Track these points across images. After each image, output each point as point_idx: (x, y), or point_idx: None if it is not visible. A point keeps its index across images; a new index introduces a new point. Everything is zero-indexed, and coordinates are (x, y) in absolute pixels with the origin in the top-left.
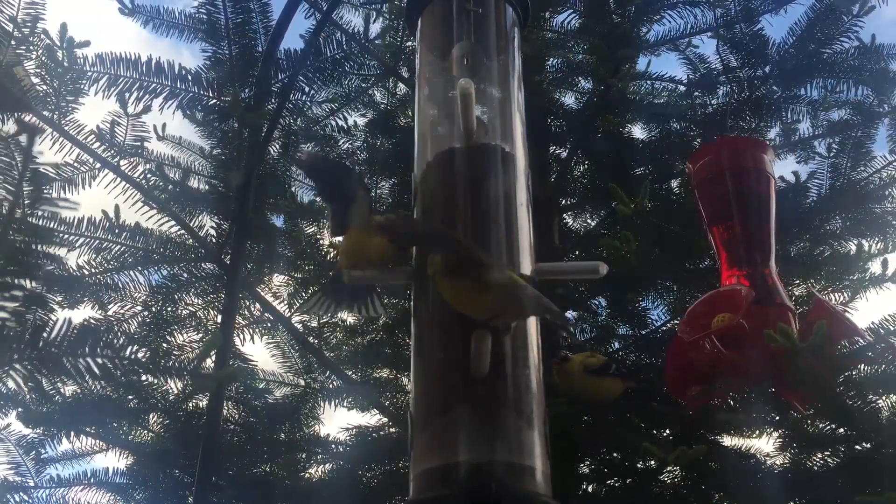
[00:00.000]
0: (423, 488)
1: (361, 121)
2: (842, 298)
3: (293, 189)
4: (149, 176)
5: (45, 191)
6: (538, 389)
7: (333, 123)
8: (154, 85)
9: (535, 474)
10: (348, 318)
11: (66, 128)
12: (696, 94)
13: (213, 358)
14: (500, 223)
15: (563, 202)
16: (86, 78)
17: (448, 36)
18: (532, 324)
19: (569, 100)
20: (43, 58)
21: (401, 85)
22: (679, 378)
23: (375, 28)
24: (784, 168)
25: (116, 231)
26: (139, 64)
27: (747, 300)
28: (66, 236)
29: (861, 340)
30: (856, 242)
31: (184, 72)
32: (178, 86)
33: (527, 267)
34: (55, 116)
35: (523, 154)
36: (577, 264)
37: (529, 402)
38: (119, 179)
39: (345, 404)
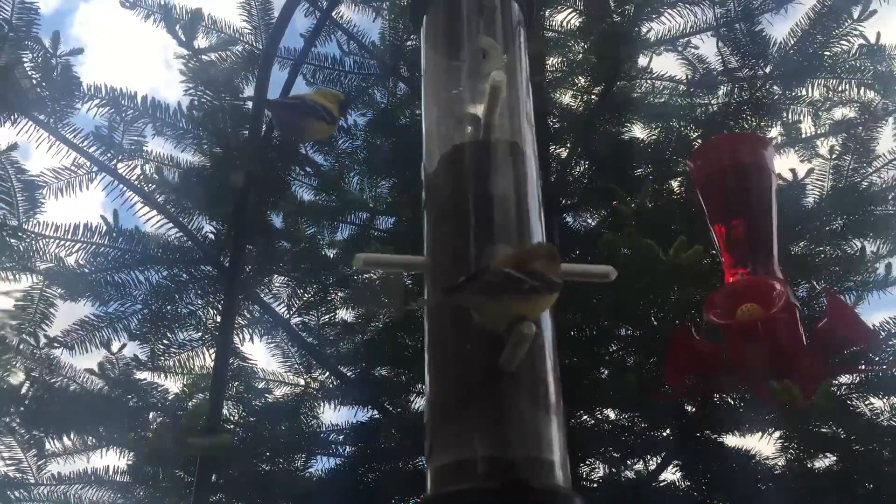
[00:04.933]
0: (444, 483)
1: (361, 121)
2: (848, 301)
3: (293, 189)
4: (149, 174)
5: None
6: (555, 380)
7: None
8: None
9: (555, 468)
10: (348, 316)
11: (62, 132)
12: (697, 93)
13: (213, 356)
14: (511, 219)
15: (563, 202)
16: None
17: (454, 32)
18: (547, 312)
19: (569, 100)
20: (38, 60)
21: (401, 84)
22: (678, 367)
23: (375, 27)
24: (784, 167)
25: (114, 235)
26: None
27: (782, 299)
28: (64, 242)
29: (873, 345)
30: (858, 243)
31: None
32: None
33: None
34: (51, 121)
35: (532, 146)
36: (586, 267)
37: (547, 393)
38: (116, 182)
39: (344, 404)
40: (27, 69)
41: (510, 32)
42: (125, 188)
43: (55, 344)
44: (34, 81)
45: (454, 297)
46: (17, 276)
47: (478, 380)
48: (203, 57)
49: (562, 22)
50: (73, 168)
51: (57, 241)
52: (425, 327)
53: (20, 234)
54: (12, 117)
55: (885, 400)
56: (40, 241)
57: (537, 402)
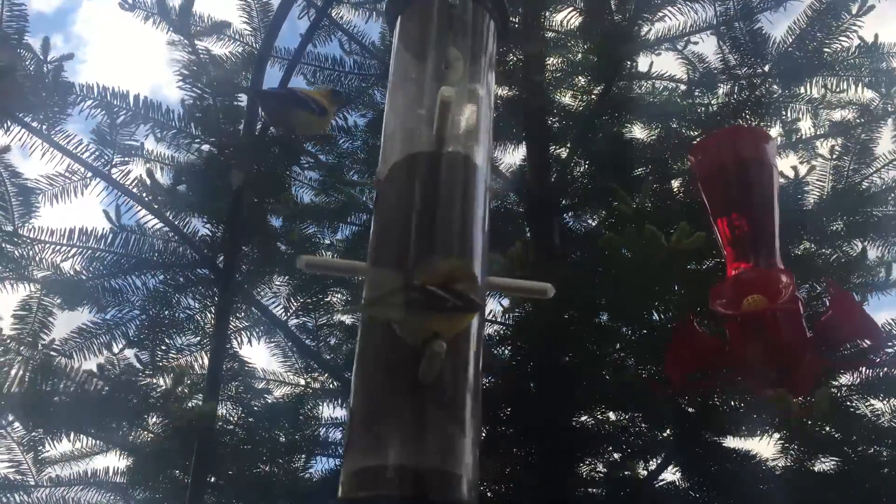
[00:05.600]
0: (353, 488)
1: (361, 121)
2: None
3: (293, 189)
4: (144, 178)
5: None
6: (473, 395)
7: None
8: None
9: (462, 482)
10: (346, 318)
11: (55, 138)
12: (697, 93)
13: (208, 359)
14: (454, 232)
15: (563, 202)
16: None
17: (426, 36)
18: (474, 327)
19: (569, 100)
20: (30, 68)
21: None
22: (679, 359)
23: (375, 28)
24: (784, 167)
25: (112, 236)
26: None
27: (788, 291)
28: (60, 247)
29: (879, 342)
30: (859, 245)
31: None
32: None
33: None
34: (44, 127)
35: (485, 160)
36: (527, 283)
37: (465, 407)
38: (111, 188)
39: (344, 405)
40: (24, 74)
41: (479, 40)
42: (120, 193)
43: (52, 352)
44: (29, 87)
45: (374, 309)
46: (15, 284)
47: (399, 389)
48: (198, 45)
49: (562, 21)
50: (67, 174)
51: (53, 246)
52: (359, 328)
53: (16, 239)
54: (6, 124)
55: (885, 401)
56: (36, 248)
57: (454, 416)
